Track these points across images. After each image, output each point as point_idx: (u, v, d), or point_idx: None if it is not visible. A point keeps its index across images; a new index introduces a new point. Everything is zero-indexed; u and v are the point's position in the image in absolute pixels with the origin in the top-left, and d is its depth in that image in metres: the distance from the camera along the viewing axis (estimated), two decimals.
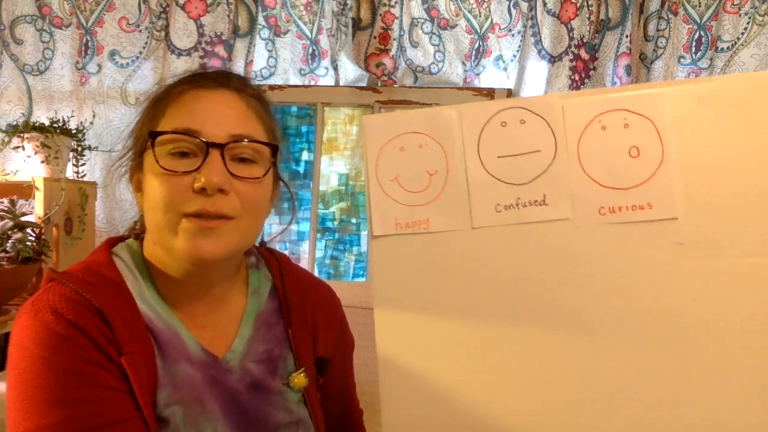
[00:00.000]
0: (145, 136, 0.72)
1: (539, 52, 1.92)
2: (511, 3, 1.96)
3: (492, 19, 1.98)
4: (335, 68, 2.04)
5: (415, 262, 0.70)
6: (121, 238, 0.80)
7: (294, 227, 1.98)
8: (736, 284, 0.63)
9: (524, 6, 1.94)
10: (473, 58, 2.00)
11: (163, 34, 1.99)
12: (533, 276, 0.68)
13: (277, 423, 0.76)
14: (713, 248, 0.64)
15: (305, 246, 2.00)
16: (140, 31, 2.00)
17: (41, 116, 1.99)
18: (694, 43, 1.79)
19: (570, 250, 0.67)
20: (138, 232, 0.80)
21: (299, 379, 0.79)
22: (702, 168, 0.65)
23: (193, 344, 0.73)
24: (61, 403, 0.61)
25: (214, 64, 1.95)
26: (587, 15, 1.86)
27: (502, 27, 1.98)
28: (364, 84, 2.05)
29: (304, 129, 2.02)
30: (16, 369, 0.63)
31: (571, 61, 1.89)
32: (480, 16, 1.99)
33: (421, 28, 2.00)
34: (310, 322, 0.84)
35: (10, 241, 1.46)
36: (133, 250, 0.76)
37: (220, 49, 1.96)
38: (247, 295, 0.81)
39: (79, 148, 1.79)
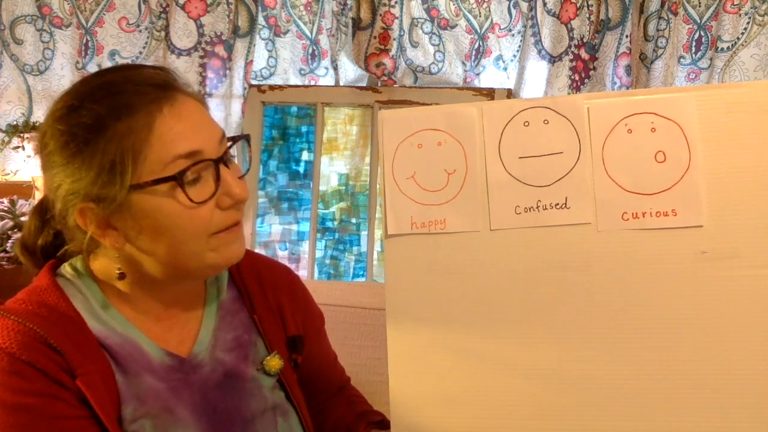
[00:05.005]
0: (125, 175, 0.63)
1: (539, 52, 1.92)
2: (511, 3, 1.96)
3: (492, 19, 1.98)
4: (335, 68, 2.04)
5: (430, 263, 0.69)
6: (62, 260, 0.76)
7: (294, 227, 1.98)
8: (757, 294, 0.62)
9: (524, 6, 1.94)
10: (473, 58, 2.00)
11: (163, 34, 1.98)
12: (552, 280, 0.66)
13: (252, 412, 0.75)
14: (736, 257, 0.63)
15: (305, 246, 2.00)
16: (140, 31, 1.99)
17: (41, 116, 1.98)
18: (694, 43, 1.79)
19: (591, 255, 0.66)
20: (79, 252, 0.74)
21: (274, 361, 0.78)
22: (728, 175, 0.63)
23: (155, 352, 0.72)
24: None
25: (214, 64, 1.95)
26: (587, 15, 1.86)
27: (502, 27, 1.98)
28: (364, 84, 2.05)
29: (304, 129, 2.02)
30: None
31: (571, 61, 1.89)
32: (480, 16, 1.99)
33: (421, 28, 2.00)
34: (274, 306, 0.83)
35: (10, 241, 1.46)
36: (78, 271, 0.73)
37: (220, 49, 1.96)
38: (206, 287, 0.80)
39: None
